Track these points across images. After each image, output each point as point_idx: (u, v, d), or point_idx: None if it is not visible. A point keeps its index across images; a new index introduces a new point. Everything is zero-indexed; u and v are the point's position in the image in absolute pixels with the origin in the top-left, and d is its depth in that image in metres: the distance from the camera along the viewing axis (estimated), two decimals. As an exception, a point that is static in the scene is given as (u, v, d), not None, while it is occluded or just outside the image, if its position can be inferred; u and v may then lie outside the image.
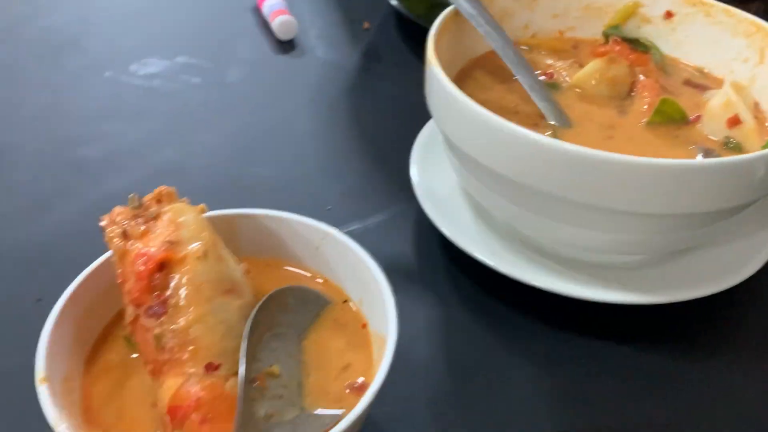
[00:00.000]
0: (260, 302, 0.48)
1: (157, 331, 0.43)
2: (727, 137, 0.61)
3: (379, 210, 0.73)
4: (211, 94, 0.92)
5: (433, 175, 0.71)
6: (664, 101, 0.62)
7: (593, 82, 0.67)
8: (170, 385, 0.43)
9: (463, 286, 0.64)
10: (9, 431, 0.52)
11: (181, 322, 0.43)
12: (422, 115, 0.79)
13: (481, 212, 0.67)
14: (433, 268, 0.66)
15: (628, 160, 0.50)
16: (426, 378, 0.56)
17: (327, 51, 1.02)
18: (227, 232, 0.52)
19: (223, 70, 0.97)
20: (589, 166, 0.51)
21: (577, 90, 0.68)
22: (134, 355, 0.49)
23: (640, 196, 0.51)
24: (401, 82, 0.95)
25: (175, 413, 0.42)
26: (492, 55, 0.72)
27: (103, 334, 0.50)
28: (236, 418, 0.40)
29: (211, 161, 0.80)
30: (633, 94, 0.67)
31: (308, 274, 0.55)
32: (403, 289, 0.59)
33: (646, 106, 0.65)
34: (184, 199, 0.50)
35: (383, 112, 0.90)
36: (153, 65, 0.97)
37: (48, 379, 0.43)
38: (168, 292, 0.44)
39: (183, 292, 0.44)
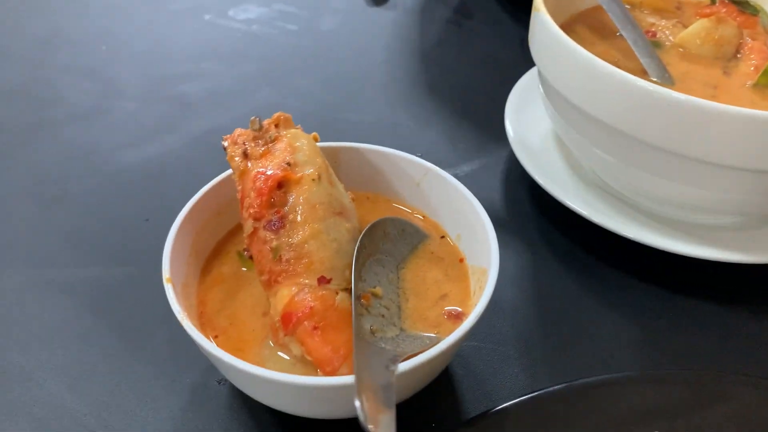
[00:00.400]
0: (367, 227, 0.50)
1: (274, 243, 0.46)
2: (837, 102, 0.60)
3: (469, 159, 0.74)
4: (306, 40, 0.94)
5: (527, 128, 0.72)
6: (772, 63, 0.62)
7: (698, 41, 0.66)
8: (285, 294, 0.45)
9: (553, 235, 0.65)
10: (123, 328, 0.56)
11: (298, 236, 0.46)
12: (511, 72, 0.80)
13: (573, 165, 0.68)
14: (522, 218, 0.67)
15: (738, 111, 0.50)
16: (514, 319, 0.58)
17: (418, 5, 1.03)
18: (331, 165, 0.54)
19: (317, 18, 0.99)
20: (698, 117, 0.51)
21: (681, 49, 0.67)
22: (244, 269, 0.52)
23: (747, 149, 0.51)
24: (492, 39, 0.96)
25: (289, 319, 0.44)
26: (593, 11, 0.72)
27: (217, 248, 0.54)
28: (353, 327, 0.43)
29: (305, 104, 0.83)
30: (739, 56, 0.66)
31: (407, 210, 0.57)
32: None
33: (752, 68, 0.64)
34: (299, 126, 0.52)
35: (473, 66, 0.91)
36: (251, 11, 0.99)
37: (172, 280, 0.46)
38: (286, 209, 0.47)
39: (299, 209, 0.46)
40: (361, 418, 0.35)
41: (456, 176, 0.55)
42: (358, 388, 0.36)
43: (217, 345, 0.46)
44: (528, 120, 0.72)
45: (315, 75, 0.88)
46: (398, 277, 0.51)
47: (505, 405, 0.45)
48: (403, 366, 0.41)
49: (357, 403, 0.35)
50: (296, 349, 0.45)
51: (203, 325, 0.48)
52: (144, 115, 0.81)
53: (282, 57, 0.91)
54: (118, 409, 0.51)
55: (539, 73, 0.65)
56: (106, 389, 0.52)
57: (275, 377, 0.40)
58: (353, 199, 0.53)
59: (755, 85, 0.62)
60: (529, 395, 0.46)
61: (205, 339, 0.42)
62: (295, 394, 0.42)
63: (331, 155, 0.57)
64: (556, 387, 0.47)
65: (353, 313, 0.44)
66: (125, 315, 0.57)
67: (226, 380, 0.52)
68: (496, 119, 0.77)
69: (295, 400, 0.43)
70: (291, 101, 0.83)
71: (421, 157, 0.56)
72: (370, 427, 0.34)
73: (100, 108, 0.82)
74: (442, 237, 0.55)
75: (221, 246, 0.54)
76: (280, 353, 0.47)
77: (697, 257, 0.58)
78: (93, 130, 0.78)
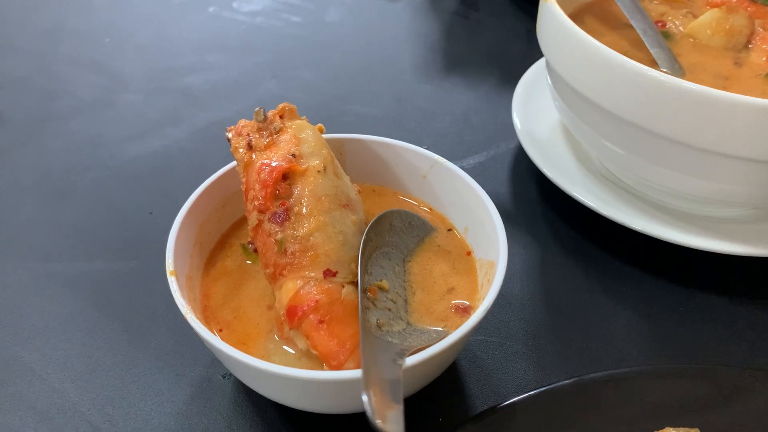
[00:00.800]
0: (373, 220, 0.49)
1: (279, 236, 0.45)
2: None
3: (476, 152, 0.74)
4: (310, 33, 0.94)
5: (534, 120, 0.71)
6: (785, 53, 0.60)
7: (709, 31, 0.65)
8: (290, 287, 0.45)
9: (561, 228, 0.64)
10: (127, 321, 0.56)
11: (303, 229, 0.45)
12: (518, 64, 0.79)
13: (582, 157, 0.67)
14: (530, 211, 0.67)
15: (750, 101, 0.49)
16: (522, 313, 0.57)
17: (424, -3, 1.02)
18: (336, 156, 0.53)
19: (322, 10, 0.98)
20: (709, 107, 0.50)
21: (691, 40, 0.66)
22: (249, 262, 0.52)
23: (759, 140, 0.50)
24: (498, 31, 0.95)
25: (294, 313, 0.44)
26: (602, 1, 0.71)
27: (221, 241, 0.53)
28: (360, 321, 0.42)
29: (310, 97, 0.82)
30: (750, 46, 0.65)
31: (414, 203, 0.57)
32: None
33: (764, 59, 0.63)
34: (304, 117, 0.52)
35: (479, 58, 0.90)
36: (255, 3, 0.99)
37: (175, 273, 0.45)
38: (291, 201, 0.46)
39: (305, 201, 0.46)
40: (369, 413, 0.34)
41: (463, 169, 0.54)
42: (365, 383, 0.36)
43: (222, 339, 0.46)
44: (536, 112, 0.72)
45: (320, 67, 0.87)
46: (405, 271, 0.51)
47: (512, 400, 0.44)
48: (411, 360, 0.40)
49: (364, 398, 0.35)
50: (302, 343, 0.45)
51: (207, 319, 0.48)
52: (148, 107, 0.80)
53: (287, 49, 0.90)
54: (121, 403, 0.50)
55: (547, 64, 0.64)
56: (109, 383, 0.51)
57: (280, 371, 0.39)
58: (359, 192, 0.52)
59: (767, 76, 0.61)
60: (537, 390, 0.45)
61: (210, 333, 0.42)
62: (300, 389, 0.41)
63: (336, 147, 0.56)
64: (564, 382, 0.46)
65: (359, 306, 0.43)
66: (129, 309, 0.57)
67: (230, 374, 0.51)
68: (503, 111, 0.76)
69: (300, 394, 0.43)
70: (296, 94, 0.83)
71: (427, 149, 0.56)
72: (378, 422, 0.33)
73: (105, 101, 0.81)
74: (449, 230, 0.54)
75: (225, 239, 0.53)
76: (285, 347, 0.46)
77: (708, 250, 0.58)
78: (97, 123, 0.78)
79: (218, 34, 0.93)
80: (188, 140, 0.75)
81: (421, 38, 0.93)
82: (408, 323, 0.47)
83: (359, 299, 0.44)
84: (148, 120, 0.78)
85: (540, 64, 0.77)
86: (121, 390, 0.51)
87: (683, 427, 0.43)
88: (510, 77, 0.77)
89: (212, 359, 0.52)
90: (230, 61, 0.88)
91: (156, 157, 0.73)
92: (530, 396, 0.45)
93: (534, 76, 0.76)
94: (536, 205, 0.67)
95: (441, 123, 0.78)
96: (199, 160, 0.72)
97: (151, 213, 0.66)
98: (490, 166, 0.72)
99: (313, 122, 0.52)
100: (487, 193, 0.52)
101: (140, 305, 0.57)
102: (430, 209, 0.56)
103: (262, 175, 0.46)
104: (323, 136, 0.52)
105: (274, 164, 0.46)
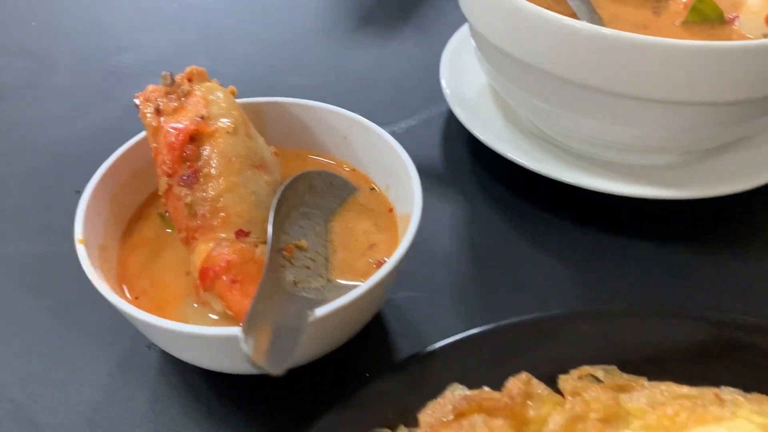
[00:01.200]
0: (288, 180, 0.49)
1: (188, 199, 0.45)
2: (766, 34, 0.59)
3: (407, 116, 0.73)
4: (241, 6, 0.92)
5: (462, 83, 0.71)
6: (700, 0, 0.61)
7: (628, -17, 0.66)
8: (202, 249, 0.44)
9: (490, 186, 0.65)
10: (54, 301, 0.55)
11: (212, 190, 0.45)
12: (451, 29, 0.79)
13: (509, 116, 0.68)
14: (460, 170, 0.67)
15: (666, 42, 0.50)
16: (449, 267, 0.57)
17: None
18: (255, 121, 0.53)
19: (254, -16, 0.97)
20: (626, 51, 0.50)
21: (611, -8, 0.66)
22: (169, 230, 0.51)
23: (673, 81, 0.51)
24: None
25: (206, 274, 0.43)
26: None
27: (138, 212, 0.52)
28: (263, 274, 0.42)
29: (243, 69, 0.81)
30: (668, -5, 0.66)
31: (335, 164, 0.56)
32: (431, 188, 0.59)
33: (682, 7, 0.63)
34: (215, 79, 0.51)
35: (412, 25, 0.89)
36: (186, -20, 0.97)
37: (85, 242, 0.44)
38: (199, 163, 0.45)
39: (214, 162, 0.45)
40: (244, 349, 0.34)
41: (393, 133, 0.54)
42: (246, 321, 0.36)
43: (138, 306, 0.45)
44: (463, 75, 0.72)
45: (253, 41, 0.86)
46: (327, 230, 0.50)
47: (431, 347, 0.44)
48: (321, 311, 0.40)
49: (239, 333, 0.34)
50: (218, 305, 0.44)
51: (123, 287, 0.47)
52: (77, 88, 0.79)
53: (217, 24, 0.89)
54: (45, 380, 0.49)
55: (470, 26, 0.64)
56: (33, 361, 0.51)
57: (172, 327, 0.39)
58: (276, 154, 0.51)
59: (684, 23, 0.62)
60: (456, 337, 0.45)
61: (116, 296, 0.41)
62: (197, 345, 0.41)
63: (255, 111, 0.56)
64: (483, 328, 0.46)
65: (266, 262, 0.43)
66: (53, 287, 0.56)
67: (154, 344, 0.51)
68: (434, 76, 0.76)
69: (200, 351, 0.42)
70: (229, 69, 0.81)
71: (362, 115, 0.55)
72: (252, 355, 0.33)
73: (32, 84, 0.79)
74: (372, 188, 0.54)
75: (144, 209, 0.53)
76: (210, 314, 0.46)
77: (633, 196, 0.58)
78: (24, 107, 0.76)
79: (147, 12, 0.92)
80: (116, 119, 0.74)
81: (354, 7, 0.93)
82: (328, 280, 0.47)
83: (267, 256, 0.43)
84: (76, 101, 0.77)
85: (465, 28, 0.77)
86: (43, 367, 0.50)
87: (600, 364, 0.43)
88: (442, 43, 0.77)
89: (136, 331, 0.52)
90: (161, 39, 0.87)
91: (83, 137, 0.71)
92: (450, 343, 0.45)
93: (460, 40, 0.76)
94: (467, 164, 0.67)
95: (375, 90, 0.78)
96: (126, 137, 0.70)
97: (77, 192, 0.64)
98: (421, 130, 0.72)
99: (248, 95, 0.51)
100: (419, 155, 0.52)
101: (66, 284, 0.56)
102: (352, 169, 0.56)
103: (169, 138, 0.46)
104: (241, 100, 0.51)
105: (180, 126, 0.46)
